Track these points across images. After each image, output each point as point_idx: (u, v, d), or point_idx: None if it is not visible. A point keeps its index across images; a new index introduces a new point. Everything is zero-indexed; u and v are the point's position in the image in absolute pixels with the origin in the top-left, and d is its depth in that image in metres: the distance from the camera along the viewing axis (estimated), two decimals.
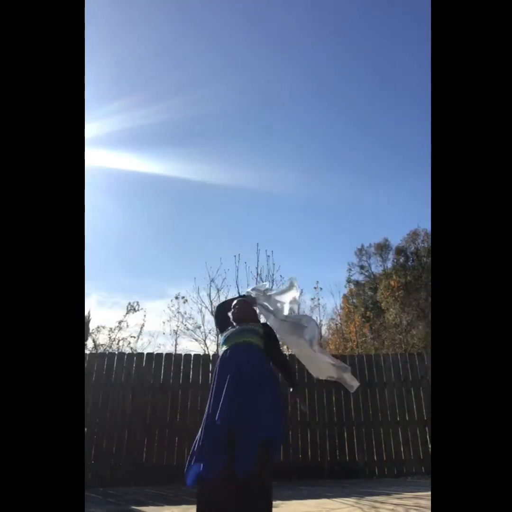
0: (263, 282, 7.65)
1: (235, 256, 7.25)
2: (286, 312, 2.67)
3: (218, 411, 1.82)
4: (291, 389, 2.27)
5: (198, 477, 1.82)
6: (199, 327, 11.26)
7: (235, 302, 2.41)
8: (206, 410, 1.95)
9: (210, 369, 4.73)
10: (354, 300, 24.40)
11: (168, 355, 4.91)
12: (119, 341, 10.56)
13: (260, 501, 1.79)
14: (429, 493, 2.11)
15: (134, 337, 10.97)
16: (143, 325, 11.15)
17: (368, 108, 32.84)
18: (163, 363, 4.77)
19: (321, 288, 13.33)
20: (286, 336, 2.62)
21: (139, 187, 29.31)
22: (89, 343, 9.92)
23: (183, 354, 5.12)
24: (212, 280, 7.31)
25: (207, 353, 9.94)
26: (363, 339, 14.39)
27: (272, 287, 8.30)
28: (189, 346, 11.78)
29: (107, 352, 8.39)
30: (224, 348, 2.10)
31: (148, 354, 4.90)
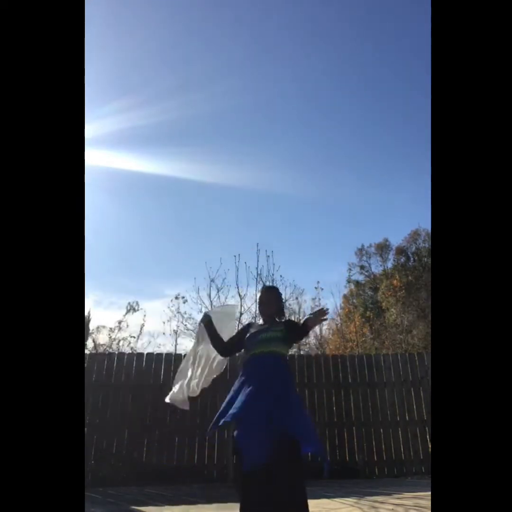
0: (263, 282, 7.57)
1: (235, 256, 7.24)
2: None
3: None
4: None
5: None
6: None
7: (260, 294, 2.50)
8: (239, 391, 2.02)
9: None
10: (354, 300, 24.40)
11: (168, 355, 4.92)
12: (119, 341, 10.60)
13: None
14: (429, 493, 2.11)
15: (134, 337, 11.01)
16: (143, 325, 11.19)
17: (368, 107, 32.87)
18: (163, 363, 4.78)
19: (322, 288, 13.37)
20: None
21: (139, 187, 29.31)
22: (89, 343, 9.94)
23: (183, 354, 5.12)
24: (212, 280, 7.32)
25: None
26: (363, 339, 14.39)
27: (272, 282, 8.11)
28: (189, 346, 11.78)
29: (107, 352, 8.40)
30: (253, 353, 2.20)
31: (148, 354, 4.90)
